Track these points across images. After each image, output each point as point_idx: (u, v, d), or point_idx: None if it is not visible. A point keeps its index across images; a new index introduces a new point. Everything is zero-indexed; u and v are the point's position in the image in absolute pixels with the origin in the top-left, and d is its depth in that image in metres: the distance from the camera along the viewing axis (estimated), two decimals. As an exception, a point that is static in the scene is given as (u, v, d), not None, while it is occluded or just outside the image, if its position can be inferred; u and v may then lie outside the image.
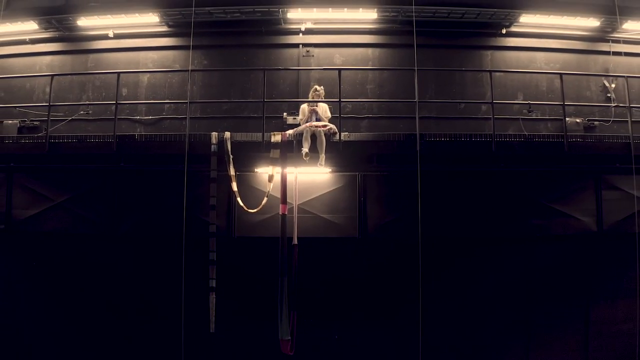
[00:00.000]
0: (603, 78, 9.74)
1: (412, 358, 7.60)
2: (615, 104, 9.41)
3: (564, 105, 8.38)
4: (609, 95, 9.67)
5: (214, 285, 7.55)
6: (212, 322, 7.54)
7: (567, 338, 9.20)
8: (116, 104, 8.35)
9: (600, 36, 9.87)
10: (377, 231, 8.22)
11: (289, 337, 7.37)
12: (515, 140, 8.27)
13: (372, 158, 8.16)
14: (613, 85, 9.67)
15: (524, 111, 9.33)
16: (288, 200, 7.69)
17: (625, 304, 8.73)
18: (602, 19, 9.39)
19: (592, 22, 9.53)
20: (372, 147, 8.15)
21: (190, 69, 9.14)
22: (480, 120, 9.23)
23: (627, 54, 9.67)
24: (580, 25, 9.62)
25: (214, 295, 7.56)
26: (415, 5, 8.35)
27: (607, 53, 9.83)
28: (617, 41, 9.78)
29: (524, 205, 8.32)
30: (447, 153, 8.07)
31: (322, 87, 8.21)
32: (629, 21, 9.41)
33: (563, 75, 8.67)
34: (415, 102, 7.88)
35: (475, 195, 8.30)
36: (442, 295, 8.64)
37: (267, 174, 7.76)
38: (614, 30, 9.63)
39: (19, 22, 9.56)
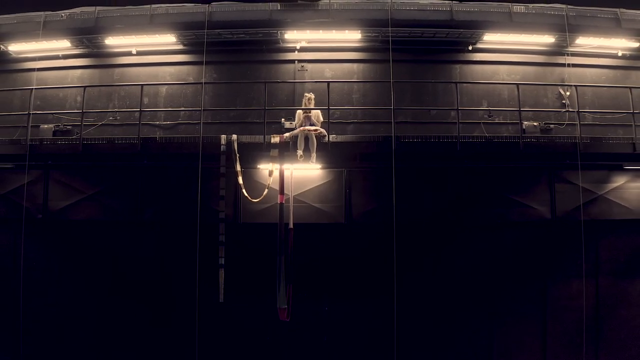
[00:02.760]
0: (559, 87, 10.60)
1: (391, 329, 8.58)
2: (566, 109, 10.37)
3: (520, 111, 9.50)
4: (564, 102, 10.54)
5: (223, 262, 8.36)
6: (221, 293, 8.36)
7: (528, 313, 10.04)
8: (140, 111, 9.44)
9: (557, 50, 10.63)
10: (361, 218, 9.28)
11: (286, 306, 8.34)
12: (477, 141, 9.29)
13: (356, 156, 9.23)
14: (568, 93, 10.49)
15: (485, 116, 10.28)
16: (285, 191, 8.66)
17: (578, 282, 9.68)
18: (557, 36, 10.22)
19: (547, 39, 10.40)
20: (356, 147, 9.18)
21: (202, 81, 10.14)
22: (450, 125, 9.77)
23: (574, 65, 10.41)
24: (538, 41, 10.47)
25: (223, 271, 8.35)
26: (392, 27, 9.41)
27: (562, 65, 10.59)
28: (570, 54, 10.46)
29: (487, 197, 9.34)
30: (419, 152, 9.11)
31: (311, 92, 9.07)
32: (580, 37, 10.28)
33: (521, 85, 9.72)
34: (392, 109, 9.02)
35: (444, 188, 9.36)
36: (418, 275, 9.55)
37: (267, 169, 8.75)
38: (568, 45, 10.19)
39: (54, 40, 10.39)
